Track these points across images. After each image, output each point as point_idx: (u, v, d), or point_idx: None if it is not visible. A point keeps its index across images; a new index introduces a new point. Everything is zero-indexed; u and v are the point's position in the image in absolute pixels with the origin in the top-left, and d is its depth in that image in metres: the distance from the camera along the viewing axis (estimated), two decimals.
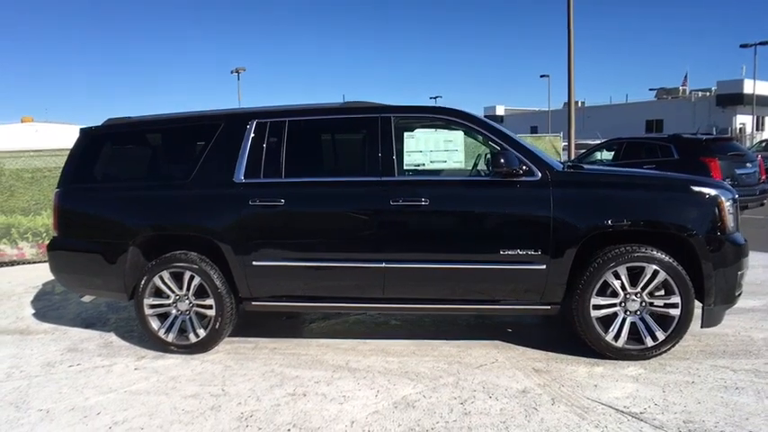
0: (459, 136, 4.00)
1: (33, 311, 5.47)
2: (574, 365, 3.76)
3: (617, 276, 3.74)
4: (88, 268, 4.34)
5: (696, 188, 3.80)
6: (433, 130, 4.04)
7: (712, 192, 3.78)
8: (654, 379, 3.50)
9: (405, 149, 4.00)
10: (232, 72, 38.48)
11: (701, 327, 3.82)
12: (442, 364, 3.87)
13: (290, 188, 4.06)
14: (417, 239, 3.93)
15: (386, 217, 3.90)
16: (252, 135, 4.16)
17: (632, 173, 4.50)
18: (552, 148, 12.46)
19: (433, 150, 3.99)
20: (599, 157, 10.37)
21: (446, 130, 4.02)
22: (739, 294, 3.86)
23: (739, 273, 3.78)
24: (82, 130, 4.52)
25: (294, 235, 4.06)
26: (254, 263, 4.05)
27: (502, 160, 3.72)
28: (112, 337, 4.67)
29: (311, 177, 4.12)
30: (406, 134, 4.04)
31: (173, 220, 4.21)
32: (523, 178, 3.82)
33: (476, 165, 4.77)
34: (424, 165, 4.00)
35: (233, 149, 4.16)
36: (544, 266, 3.78)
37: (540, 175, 3.82)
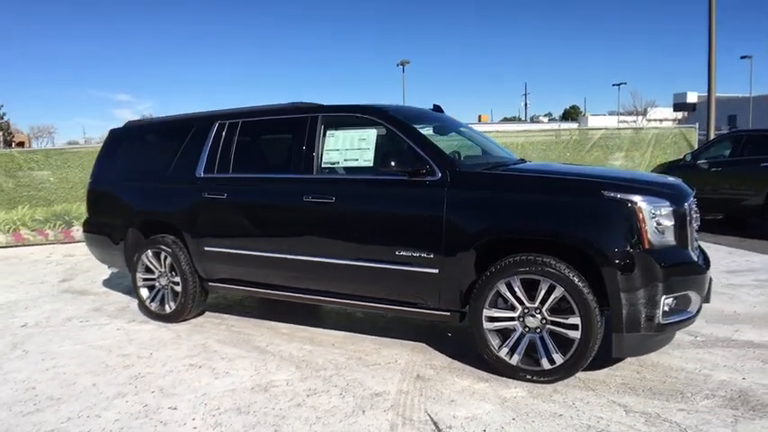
0: (371, 134, 3.97)
1: (105, 278, 6.81)
2: (462, 378, 3.53)
3: (510, 288, 3.41)
4: (105, 245, 5.35)
5: (609, 193, 3.23)
6: (352, 128, 4.08)
7: (631, 198, 3.19)
8: (523, 405, 3.14)
9: (324, 148, 4.12)
10: (398, 65, 39.89)
11: (613, 355, 3.28)
12: (342, 358, 3.95)
13: (231, 183, 4.50)
14: (325, 235, 4.04)
15: (300, 213, 4.10)
16: (213, 135, 4.69)
17: (553, 173, 3.84)
18: (685, 140, 10.72)
19: (348, 149, 4.05)
20: (720, 152, 8.70)
21: (362, 129, 4.03)
22: (670, 324, 3.21)
23: (666, 297, 3.14)
24: (110, 131, 5.54)
25: (232, 225, 4.49)
26: (205, 248, 4.60)
27: (392, 162, 3.65)
28: (134, 303, 5.64)
29: (248, 174, 4.50)
30: (328, 133, 4.15)
31: (154, 208, 4.98)
32: (427, 178, 3.68)
33: None
34: (338, 163, 4.07)
35: (199, 148, 4.74)
36: (437, 270, 3.61)
37: (440, 175, 3.64)
